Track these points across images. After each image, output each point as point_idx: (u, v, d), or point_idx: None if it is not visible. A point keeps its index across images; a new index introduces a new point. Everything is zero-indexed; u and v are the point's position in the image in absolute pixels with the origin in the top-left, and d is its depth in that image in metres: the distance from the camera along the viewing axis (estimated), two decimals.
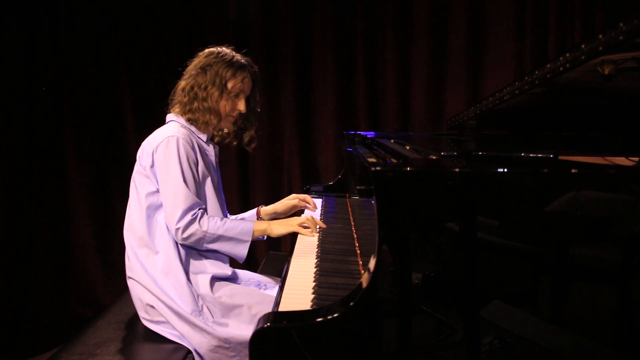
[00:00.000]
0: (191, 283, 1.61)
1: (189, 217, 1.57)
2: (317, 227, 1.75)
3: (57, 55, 3.00)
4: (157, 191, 1.64)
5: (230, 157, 3.38)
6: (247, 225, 1.67)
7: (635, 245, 1.08)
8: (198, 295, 1.59)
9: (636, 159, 1.29)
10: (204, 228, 1.59)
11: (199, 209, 1.61)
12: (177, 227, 1.56)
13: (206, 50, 1.78)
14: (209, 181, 1.72)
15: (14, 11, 2.78)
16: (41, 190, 2.99)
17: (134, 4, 3.12)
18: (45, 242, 3.01)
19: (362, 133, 2.33)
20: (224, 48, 1.78)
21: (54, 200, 3.05)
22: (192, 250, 1.65)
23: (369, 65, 3.14)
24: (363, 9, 3.10)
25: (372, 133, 2.34)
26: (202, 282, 1.62)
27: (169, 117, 1.76)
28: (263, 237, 1.75)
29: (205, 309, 1.58)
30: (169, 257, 1.61)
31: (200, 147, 1.72)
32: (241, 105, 1.76)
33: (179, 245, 1.63)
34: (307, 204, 1.99)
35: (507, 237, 1.09)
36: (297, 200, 1.99)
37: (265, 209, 2.01)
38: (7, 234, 2.81)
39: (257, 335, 1.01)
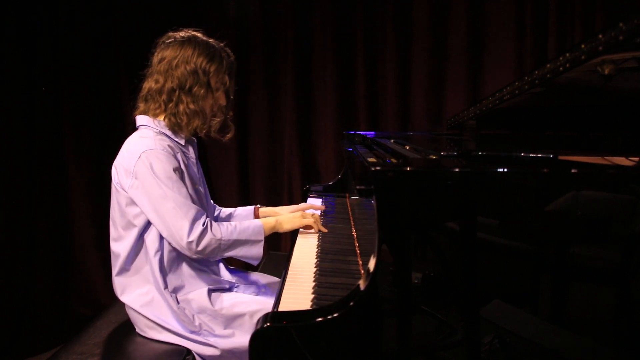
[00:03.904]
0: (184, 305, 1.53)
1: (199, 227, 1.46)
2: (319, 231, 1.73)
3: (57, 55, 3.00)
4: (141, 212, 1.50)
5: (230, 157, 3.38)
6: (256, 224, 1.60)
7: (635, 245, 1.08)
8: (194, 315, 1.52)
9: (636, 159, 1.29)
10: (218, 236, 1.49)
11: (206, 218, 1.50)
12: (190, 240, 1.44)
13: (178, 37, 1.56)
14: (192, 188, 1.57)
15: (14, 11, 2.78)
16: (41, 190, 2.98)
17: (134, 4, 3.12)
18: (45, 242, 3.01)
19: (362, 133, 2.33)
20: (194, 32, 1.58)
21: (54, 200, 3.04)
22: (180, 270, 1.55)
23: (369, 65, 3.14)
24: (363, 9, 3.10)
25: (372, 133, 2.34)
26: (198, 298, 1.53)
27: (139, 119, 1.58)
28: None
29: (204, 326, 1.52)
30: (158, 284, 1.52)
31: (179, 151, 1.57)
32: (222, 99, 1.62)
33: (164, 269, 1.53)
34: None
35: (507, 237, 1.09)
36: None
37: (264, 211, 1.94)
38: (7, 234, 2.81)
39: (257, 335, 1.01)
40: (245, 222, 1.60)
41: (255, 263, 1.63)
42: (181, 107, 1.53)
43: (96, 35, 3.08)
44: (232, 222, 1.57)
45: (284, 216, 1.71)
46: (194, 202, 1.53)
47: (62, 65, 3.01)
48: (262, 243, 1.58)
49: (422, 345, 1.10)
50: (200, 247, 1.46)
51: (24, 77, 2.88)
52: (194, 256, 1.50)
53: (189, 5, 3.26)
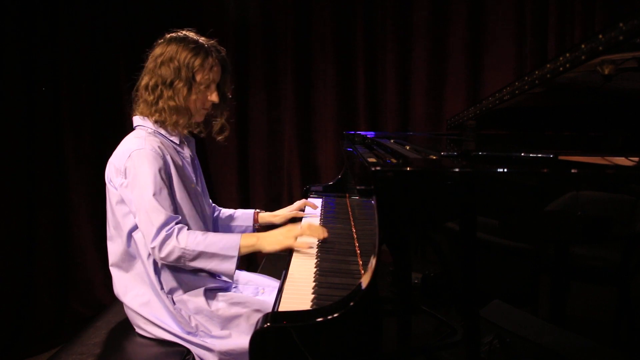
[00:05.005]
0: (180, 305, 1.54)
1: (163, 233, 1.43)
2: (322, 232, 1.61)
3: (57, 55, 2.99)
4: (129, 212, 1.52)
5: (230, 157, 3.38)
6: (232, 239, 1.50)
7: (635, 245, 1.08)
8: (190, 316, 1.53)
9: (636, 159, 1.29)
10: (182, 244, 1.44)
11: (175, 224, 1.46)
12: (153, 246, 1.44)
13: (167, 36, 1.58)
14: (185, 188, 1.56)
15: (14, 11, 2.78)
16: (41, 191, 2.98)
17: (134, 4, 3.12)
18: (45, 242, 3.01)
19: (362, 133, 2.33)
20: (185, 32, 1.59)
21: (54, 200, 3.04)
22: (176, 271, 1.54)
23: (369, 65, 3.14)
24: (363, 9, 3.10)
25: (372, 133, 2.34)
26: (194, 298, 1.54)
27: (135, 120, 1.60)
28: None
29: (200, 327, 1.52)
30: (154, 285, 1.53)
31: (172, 151, 1.56)
32: (213, 96, 1.59)
33: (158, 269, 1.54)
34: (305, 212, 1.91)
35: (507, 237, 1.09)
36: (295, 212, 1.96)
37: (263, 216, 1.94)
38: (7, 234, 2.81)
39: (257, 335, 1.01)
40: (220, 235, 1.52)
41: (228, 279, 1.60)
42: (161, 103, 1.53)
43: (96, 35, 3.08)
44: (206, 232, 1.51)
45: (267, 237, 1.56)
46: (177, 207, 1.52)
47: (62, 65, 3.01)
48: (235, 259, 1.48)
49: (422, 345, 1.09)
50: (162, 254, 1.44)
51: (24, 77, 2.87)
52: (160, 262, 1.50)
53: (189, 5, 3.26)
